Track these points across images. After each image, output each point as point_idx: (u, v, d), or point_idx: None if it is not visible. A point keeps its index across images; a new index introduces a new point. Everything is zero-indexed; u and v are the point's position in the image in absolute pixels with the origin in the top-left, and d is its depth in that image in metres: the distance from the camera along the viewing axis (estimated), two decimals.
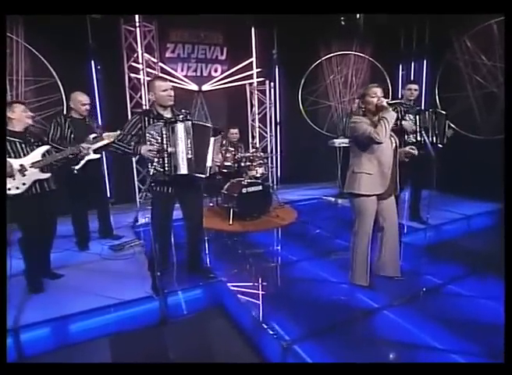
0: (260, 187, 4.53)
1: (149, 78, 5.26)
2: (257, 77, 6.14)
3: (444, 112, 4.12)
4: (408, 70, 6.35)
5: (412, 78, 6.17)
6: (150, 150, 2.53)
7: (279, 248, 4.00)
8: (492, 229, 4.35)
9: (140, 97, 5.24)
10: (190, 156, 2.59)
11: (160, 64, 5.40)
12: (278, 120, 6.63)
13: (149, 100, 2.69)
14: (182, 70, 5.75)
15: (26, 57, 4.67)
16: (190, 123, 2.61)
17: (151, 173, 2.61)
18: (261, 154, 4.79)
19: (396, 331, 2.46)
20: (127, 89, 5.17)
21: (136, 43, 5.09)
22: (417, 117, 3.93)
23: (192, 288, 2.94)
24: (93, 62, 5.13)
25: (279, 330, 2.47)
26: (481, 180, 5.01)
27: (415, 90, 4.01)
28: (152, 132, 2.58)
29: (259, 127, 6.30)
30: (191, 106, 5.95)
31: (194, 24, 5.61)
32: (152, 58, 5.26)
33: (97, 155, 3.54)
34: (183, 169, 2.58)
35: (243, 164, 4.63)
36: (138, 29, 5.04)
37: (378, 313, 2.67)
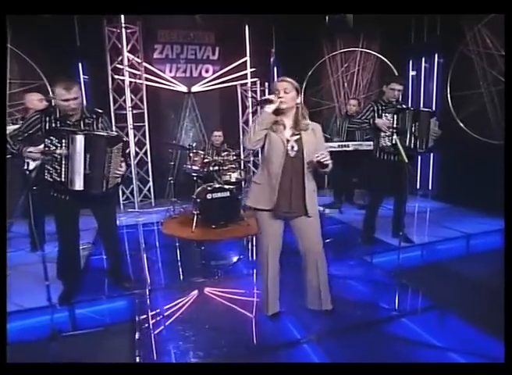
0: (227, 194, 4.22)
1: (132, 80, 5.22)
2: (252, 77, 5.84)
3: (429, 110, 3.49)
4: (419, 66, 5.65)
5: (423, 76, 5.49)
6: (39, 153, 2.33)
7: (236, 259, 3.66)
8: (495, 251, 3.62)
9: (124, 100, 5.20)
10: (87, 172, 2.37)
11: (145, 64, 5.32)
12: None
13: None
14: (170, 71, 5.63)
15: (12, 59, 4.82)
16: (91, 134, 2.37)
17: (50, 181, 2.39)
18: (235, 157, 4.47)
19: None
20: (110, 91, 5.15)
21: (121, 44, 5.06)
22: (395, 117, 3.37)
23: (104, 299, 2.74)
24: (80, 64, 5.20)
25: (173, 357, 2.18)
26: (495, 192, 4.24)
27: (398, 91, 3.38)
28: (52, 138, 2.34)
29: None
30: (182, 107, 5.83)
31: (183, 24, 5.47)
32: (136, 59, 5.20)
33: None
34: (79, 186, 2.37)
35: (211, 168, 4.35)
36: (121, 30, 4.99)
37: (297, 347, 2.26)
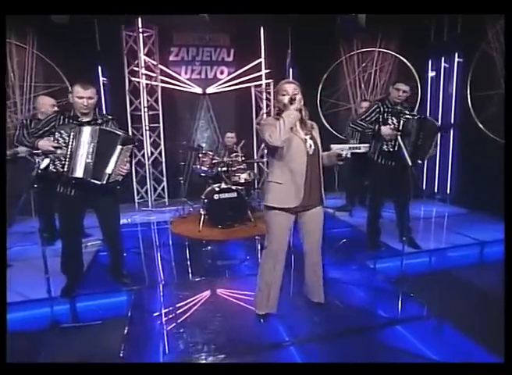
0: (234, 194, 4.25)
1: (148, 82, 5.37)
2: (267, 78, 5.84)
3: (436, 123, 3.36)
4: (438, 67, 5.44)
5: (442, 77, 5.28)
6: (51, 146, 2.47)
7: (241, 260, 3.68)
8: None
9: (140, 102, 5.34)
10: (89, 160, 2.51)
11: (161, 67, 5.45)
12: None
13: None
14: (185, 73, 5.74)
15: (38, 63, 5.07)
16: (97, 127, 2.53)
17: (54, 171, 2.53)
18: (244, 158, 4.49)
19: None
20: (127, 93, 5.32)
21: (138, 48, 5.20)
22: (400, 122, 3.26)
23: (103, 294, 2.83)
24: (100, 67, 5.40)
25: (161, 354, 2.22)
26: None
27: (404, 92, 3.26)
28: (62, 131, 2.52)
29: None
30: (197, 108, 5.92)
31: (199, 27, 5.55)
32: (152, 62, 5.34)
33: None
34: (79, 173, 2.50)
35: (220, 169, 4.40)
36: (138, 34, 5.14)
37: (285, 349, 2.25)
